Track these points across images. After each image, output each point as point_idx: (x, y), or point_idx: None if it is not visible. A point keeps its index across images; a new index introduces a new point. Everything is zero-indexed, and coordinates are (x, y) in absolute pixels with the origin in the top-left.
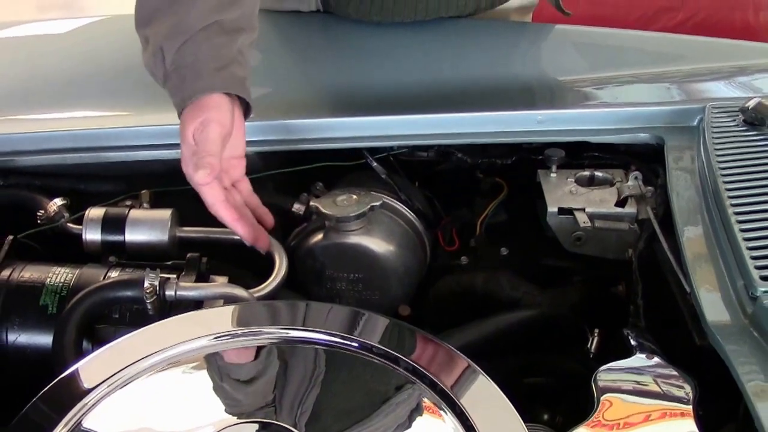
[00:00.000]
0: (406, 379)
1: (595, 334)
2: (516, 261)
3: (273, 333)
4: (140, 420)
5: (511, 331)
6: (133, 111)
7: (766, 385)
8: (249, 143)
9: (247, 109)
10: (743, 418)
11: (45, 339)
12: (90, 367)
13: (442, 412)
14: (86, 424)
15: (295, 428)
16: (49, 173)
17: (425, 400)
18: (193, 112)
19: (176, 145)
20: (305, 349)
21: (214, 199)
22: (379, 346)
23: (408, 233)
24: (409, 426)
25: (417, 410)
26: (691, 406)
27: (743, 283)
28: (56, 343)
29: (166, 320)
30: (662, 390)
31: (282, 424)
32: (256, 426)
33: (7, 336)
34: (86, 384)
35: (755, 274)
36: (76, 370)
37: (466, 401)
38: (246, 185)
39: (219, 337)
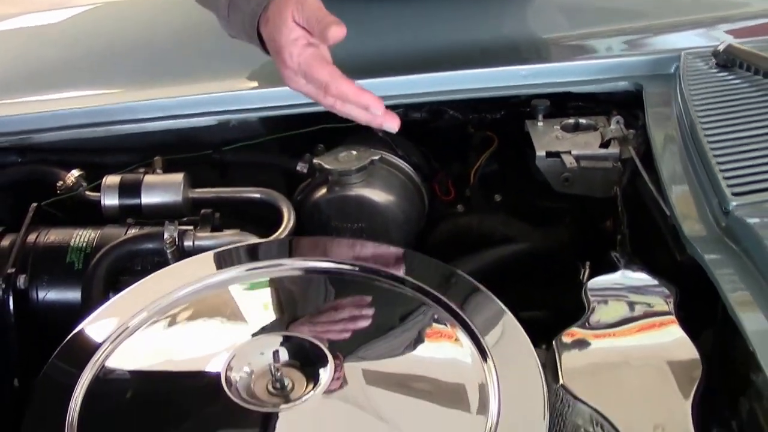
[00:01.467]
0: (419, 301)
1: (587, 267)
2: (509, 206)
3: (290, 264)
4: (170, 349)
5: (505, 263)
6: (142, 86)
7: (746, 294)
8: (252, 110)
9: None
10: (721, 323)
11: (73, 294)
12: (115, 306)
13: (454, 329)
14: (119, 356)
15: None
16: (65, 149)
17: (438, 319)
18: (276, 12)
19: (185, 116)
20: (323, 277)
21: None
22: (397, 273)
23: (406, 185)
24: (423, 341)
25: (430, 328)
26: (673, 314)
27: (717, 201)
28: (84, 294)
29: (184, 260)
30: (645, 296)
31: (305, 336)
32: (279, 339)
33: (37, 294)
34: (114, 322)
35: (728, 191)
36: (102, 310)
37: (476, 321)
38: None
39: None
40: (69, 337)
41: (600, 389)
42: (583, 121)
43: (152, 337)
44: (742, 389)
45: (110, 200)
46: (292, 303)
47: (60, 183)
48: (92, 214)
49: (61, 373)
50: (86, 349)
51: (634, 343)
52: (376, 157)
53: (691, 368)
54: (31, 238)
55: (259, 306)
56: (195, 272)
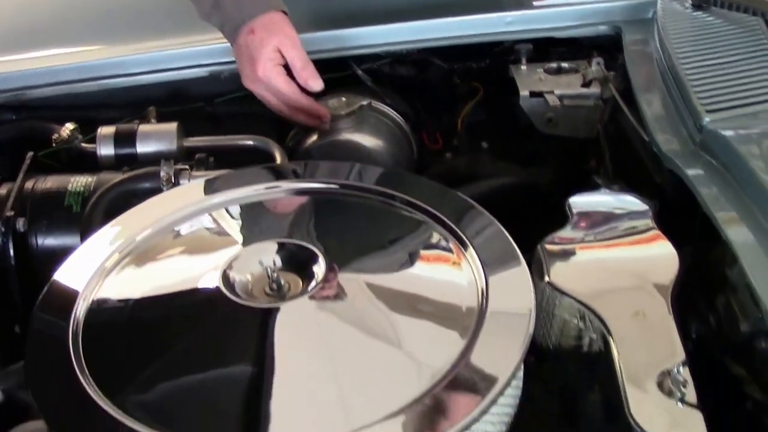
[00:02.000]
0: (418, 219)
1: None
2: (496, 152)
3: (286, 185)
4: (169, 264)
5: (493, 196)
6: (133, 40)
7: (725, 203)
8: None
9: None
10: (700, 234)
11: (71, 239)
12: (116, 228)
13: (447, 241)
14: (121, 273)
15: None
16: (58, 105)
17: (429, 229)
18: (264, 29)
19: (176, 69)
20: (321, 197)
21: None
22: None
23: (395, 131)
24: (414, 248)
25: (421, 237)
26: (652, 222)
27: (692, 120)
28: (83, 234)
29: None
30: (625, 208)
31: (302, 243)
32: (276, 246)
33: (36, 238)
34: (119, 239)
35: (701, 108)
36: (102, 232)
37: (466, 230)
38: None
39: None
40: (66, 260)
41: (584, 285)
42: (565, 64)
43: (150, 256)
44: (718, 289)
45: (106, 150)
46: (289, 219)
47: (55, 136)
48: (88, 166)
49: (60, 293)
50: (86, 269)
51: (615, 246)
52: (365, 102)
53: (670, 266)
54: (29, 184)
55: (255, 223)
56: (190, 197)
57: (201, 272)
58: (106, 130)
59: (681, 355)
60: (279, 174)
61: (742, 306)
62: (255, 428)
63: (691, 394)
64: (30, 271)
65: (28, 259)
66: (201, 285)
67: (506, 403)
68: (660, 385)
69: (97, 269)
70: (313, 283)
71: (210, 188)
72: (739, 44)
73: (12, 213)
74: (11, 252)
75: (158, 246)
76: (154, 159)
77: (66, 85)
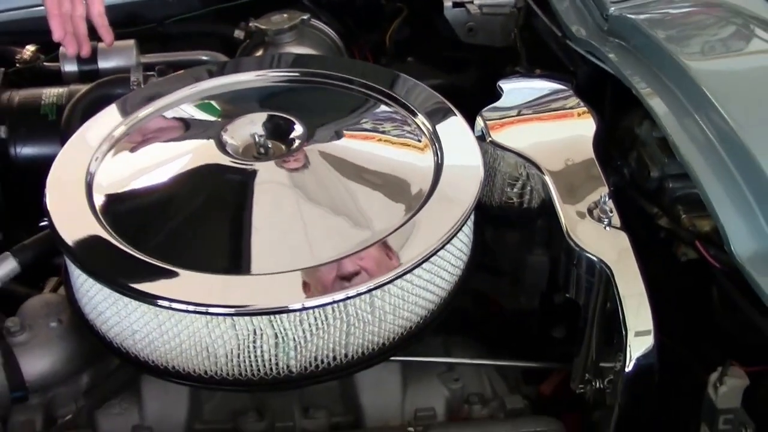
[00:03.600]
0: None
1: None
2: (422, 63)
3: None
4: (166, 140)
5: None
6: None
7: (645, 86)
8: None
9: None
10: (610, 103)
11: (48, 147)
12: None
13: (405, 116)
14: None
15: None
16: (15, 30)
17: (390, 109)
18: None
19: None
20: (297, 83)
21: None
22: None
23: (331, 46)
24: (378, 122)
25: (383, 113)
26: (572, 92)
27: (599, 12)
28: (64, 134)
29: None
30: (547, 85)
31: (283, 114)
32: (264, 117)
33: (15, 147)
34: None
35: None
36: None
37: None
38: (98, 6)
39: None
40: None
41: (521, 142)
42: None
43: (152, 129)
44: (630, 147)
45: (70, 67)
46: (270, 100)
47: (18, 56)
48: (51, 84)
49: (73, 156)
50: (95, 138)
51: (543, 119)
52: (306, 17)
53: (589, 124)
54: (5, 97)
55: (239, 105)
56: (172, 86)
57: (199, 140)
58: None
59: (605, 188)
60: (259, 64)
61: (651, 157)
62: (238, 259)
63: (615, 220)
64: (9, 177)
65: (9, 166)
66: (200, 151)
67: (460, 248)
68: (590, 213)
69: (105, 137)
70: (293, 146)
71: (197, 77)
72: None
73: None
74: None
75: (157, 122)
76: (115, 74)
77: (22, 11)
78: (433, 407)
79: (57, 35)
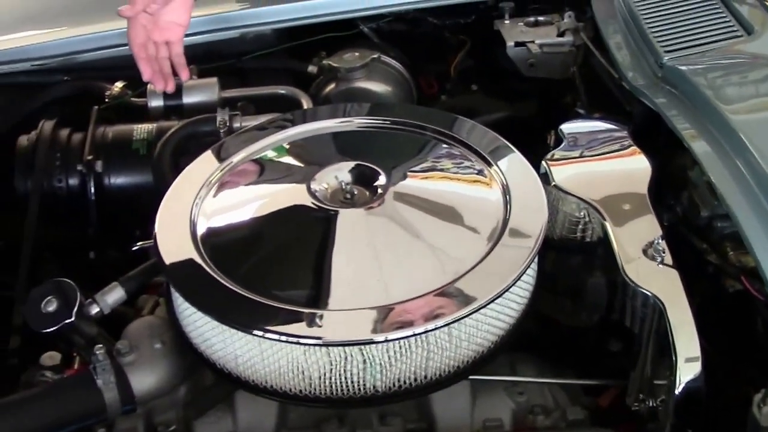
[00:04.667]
0: (444, 142)
1: (552, 134)
2: (485, 92)
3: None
4: (260, 185)
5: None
6: None
7: (693, 131)
8: (269, 22)
9: None
10: (663, 148)
11: (139, 178)
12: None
13: (474, 162)
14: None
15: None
16: (105, 67)
17: (460, 155)
18: None
19: (207, 32)
20: (375, 131)
21: (132, 35)
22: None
23: (399, 79)
24: (450, 171)
25: (454, 161)
26: (630, 139)
27: (653, 59)
28: (156, 170)
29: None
30: (606, 131)
31: (368, 164)
32: (350, 165)
33: (110, 177)
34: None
35: (660, 49)
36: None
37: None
38: (177, 48)
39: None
40: (177, 180)
41: (581, 186)
42: (541, 18)
43: (247, 173)
44: (682, 187)
45: (156, 102)
46: (355, 148)
47: (108, 93)
48: (136, 117)
49: (176, 200)
50: (195, 183)
51: (602, 159)
52: (375, 55)
53: (645, 171)
54: (99, 132)
55: (326, 152)
56: (270, 134)
57: (290, 184)
58: None
59: (659, 231)
60: (339, 112)
61: (702, 198)
62: (319, 293)
63: (668, 259)
64: (104, 205)
65: (103, 195)
66: (291, 194)
67: (527, 281)
68: (645, 253)
69: (205, 182)
70: (377, 193)
71: (283, 125)
72: None
73: (91, 157)
74: (92, 189)
75: (252, 167)
76: (198, 109)
77: (111, 50)
78: (500, 418)
79: (146, 75)
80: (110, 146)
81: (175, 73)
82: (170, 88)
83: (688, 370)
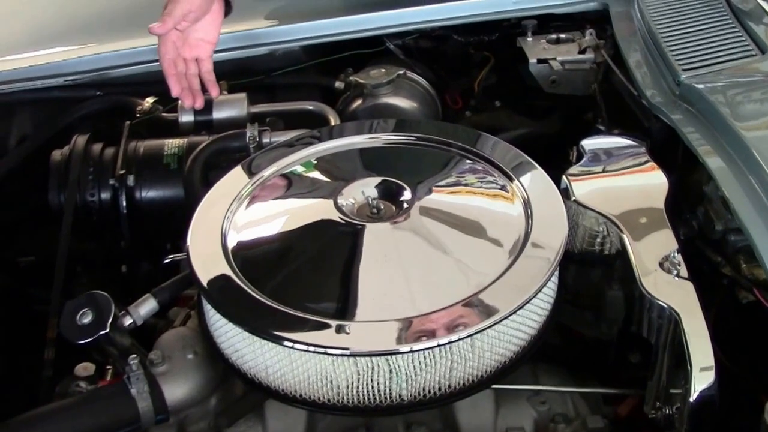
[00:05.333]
0: (467, 158)
1: (574, 150)
2: (508, 109)
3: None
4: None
5: (515, 143)
6: None
7: (708, 147)
8: (297, 39)
9: (228, 8)
10: (681, 164)
11: (170, 191)
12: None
13: (497, 177)
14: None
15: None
16: (137, 82)
17: (484, 171)
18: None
19: (237, 48)
20: (401, 145)
21: (162, 52)
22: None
23: (424, 95)
24: (475, 186)
25: (478, 176)
26: (647, 155)
27: (671, 77)
28: (188, 184)
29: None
30: (625, 147)
31: (394, 180)
32: (377, 181)
33: (141, 191)
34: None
35: (678, 68)
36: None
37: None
38: (207, 65)
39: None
40: (207, 195)
41: (600, 201)
42: (563, 35)
43: (270, 195)
44: (698, 202)
45: (186, 117)
46: (381, 164)
47: (139, 108)
48: (165, 132)
49: (208, 213)
50: (226, 197)
51: (621, 174)
52: (401, 72)
53: (662, 186)
54: (131, 147)
55: (352, 168)
56: (298, 150)
57: (318, 199)
58: None
59: (675, 245)
60: (365, 128)
61: (716, 212)
62: (346, 305)
63: (683, 271)
64: (135, 219)
65: (135, 209)
66: (319, 209)
67: (548, 294)
68: (661, 266)
69: (235, 196)
70: (403, 208)
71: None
72: (704, 15)
73: (123, 171)
74: (124, 203)
75: (280, 182)
76: (227, 124)
77: (142, 65)
78: (522, 426)
79: (175, 92)
80: (142, 161)
81: (204, 90)
82: (199, 104)
83: (702, 379)
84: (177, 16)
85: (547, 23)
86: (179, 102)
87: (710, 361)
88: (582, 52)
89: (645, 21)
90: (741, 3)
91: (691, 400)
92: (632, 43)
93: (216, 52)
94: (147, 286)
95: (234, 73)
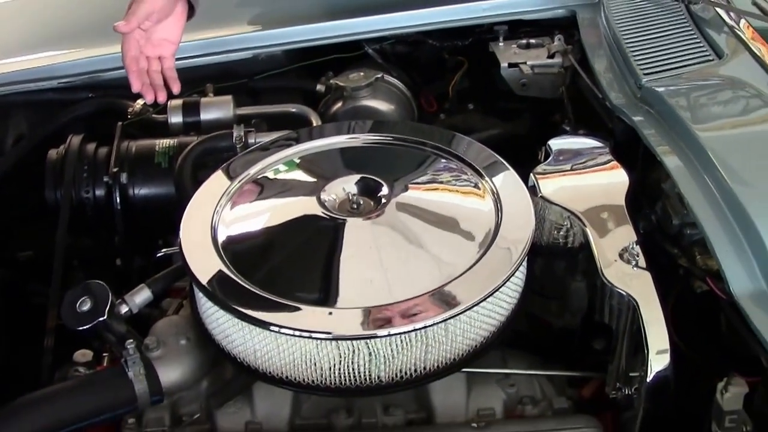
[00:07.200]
0: (441, 156)
1: (543, 150)
2: (481, 111)
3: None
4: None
5: (487, 143)
6: (189, 30)
7: (666, 147)
8: (280, 44)
9: (191, 12)
10: (641, 163)
11: (161, 189)
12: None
13: (468, 174)
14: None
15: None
16: (128, 85)
17: (456, 168)
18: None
19: (221, 52)
20: (378, 145)
21: (125, 49)
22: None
23: (401, 98)
24: (448, 183)
25: (451, 174)
26: (610, 154)
27: (633, 80)
28: (178, 182)
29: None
30: (589, 147)
31: (373, 177)
32: (356, 178)
33: (134, 189)
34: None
35: (640, 72)
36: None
37: (482, 166)
38: (169, 62)
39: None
40: (197, 191)
41: (565, 197)
42: (533, 41)
43: (257, 192)
44: (656, 198)
45: (176, 118)
46: (361, 162)
47: (130, 109)
48: (156, 133)
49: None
50: (215, 193)
51: (584, 172)
52: (380, 75)
53: (623, 183)
54: (124, 146)
55: (334, 166)
56: (282, 150)
57: (302, 195)
58: (175, 103)
59: (634, 237)
60: (345, 129)
61: (673, 208)
62: (329, 293)
63: (642, 262)
64: (129, 215)
65: (128, 205)
66: (303, 204)
67: (516, 283)
68: (621, 257)
69: (224, 193)
70: (381, 203)
71: (293, 141)
72: (666, 22)
73: (117, 169)
74: (117, 200)
75: (266, 180)
76: (215, 125)
77: None
78: (492, 407)
79: (135, 87)
80: (134, 159)
81: (168, 88)
82: (161, 99)
83: (658, 362)
84: (141, 15)
85: (517, 29)
86: (169, 104)
87: (666, 344)
88: (551, 56)
89: (610, 28)
90: (701, 11)
91: (648, 381)
92: (598, 48)
93: (201, 56)
94: (141, 279)
95: (219, 77)
